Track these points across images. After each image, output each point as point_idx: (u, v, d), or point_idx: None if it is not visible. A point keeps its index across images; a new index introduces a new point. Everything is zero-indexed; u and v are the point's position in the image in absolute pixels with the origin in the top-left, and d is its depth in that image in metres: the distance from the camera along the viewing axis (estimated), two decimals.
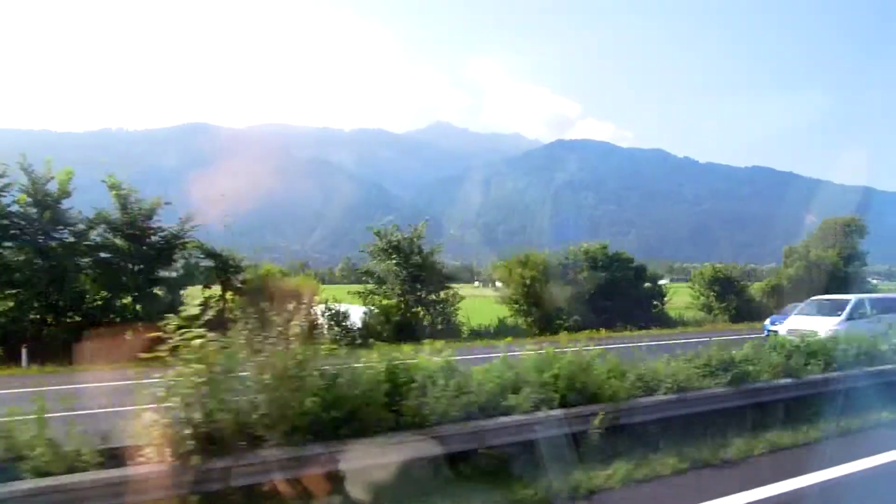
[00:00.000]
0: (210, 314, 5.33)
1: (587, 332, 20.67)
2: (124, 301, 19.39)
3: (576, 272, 29.46)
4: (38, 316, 18.09)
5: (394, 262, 24.60)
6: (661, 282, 38.12)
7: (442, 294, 25.09)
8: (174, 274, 20.28)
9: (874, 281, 53.67)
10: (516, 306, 27.76)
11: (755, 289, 37.51)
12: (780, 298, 34.41)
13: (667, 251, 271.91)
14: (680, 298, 35.16)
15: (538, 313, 27.19)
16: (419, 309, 24.44)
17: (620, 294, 29.42)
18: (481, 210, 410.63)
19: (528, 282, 27.31)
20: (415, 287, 24.57)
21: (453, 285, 26.51)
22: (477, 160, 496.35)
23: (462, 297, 25.67)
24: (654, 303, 31.69)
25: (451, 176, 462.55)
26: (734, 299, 34.51)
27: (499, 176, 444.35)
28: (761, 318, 29.89)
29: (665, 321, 30.44)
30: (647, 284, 31.85)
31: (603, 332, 23.23)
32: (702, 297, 35.48)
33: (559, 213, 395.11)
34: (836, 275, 38.52)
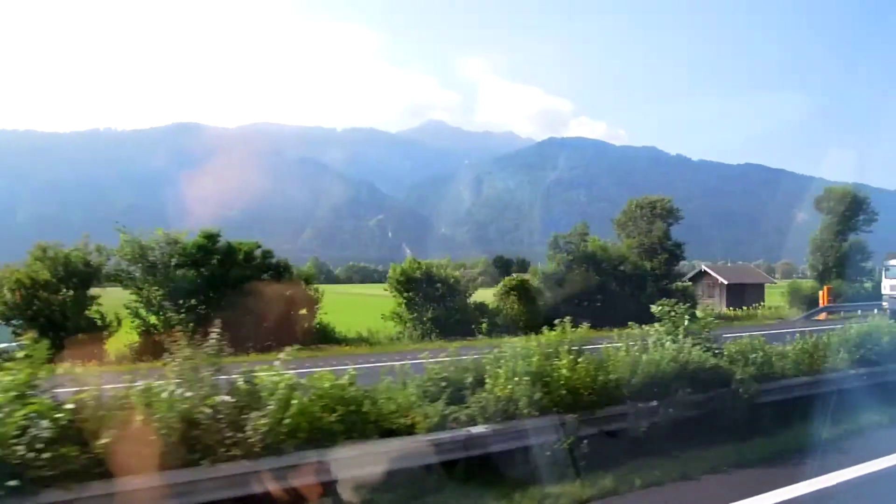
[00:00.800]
0: None
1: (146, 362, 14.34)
2: None
3: (165, 269, 21.21)
4: None
5: None
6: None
7: None
8: None
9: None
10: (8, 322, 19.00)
11: (493, 293, 29.37)
12: (529, 305, 27.46)
13: None
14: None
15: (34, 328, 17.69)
16: None
17: (244, 303, 21.00)
18: (472, 208, 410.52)
19: (12, 287, 18.50)
20: None
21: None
22: (469, 158, 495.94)
23: None
24: (302, 312, 23.53)
25: (442, 174, 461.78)
26: (438, 307, 25.64)
27: (490, 174, 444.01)
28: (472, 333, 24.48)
29: (327, 338, 22.93)
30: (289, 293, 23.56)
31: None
32: (401, 305, 26.64)
33: (551, 210, 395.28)
34: (624, 272, 31.44)
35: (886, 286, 31.18)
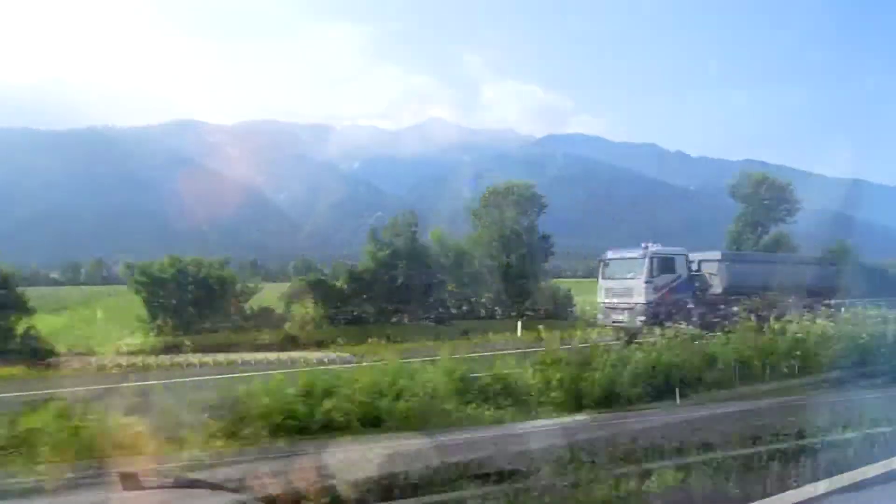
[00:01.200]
0: None
1: None
2: None
3: None
4: None
5: None
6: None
7: None
8: None
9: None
10: None
11: (280, 295, 24.50)
12: (328, 311, 23.52)
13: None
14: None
15: None
16: None
17: None
18: (473, 205, 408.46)
19: None
20: None
21: None
22: (469, 156, 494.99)
23: None
24: None
25: (442, 172, 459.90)
26: (194, 312, 21.53)
27: (490, 171, 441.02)
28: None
29: (39, 354, 18.42)
30: None
31: None
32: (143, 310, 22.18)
33: (551, 207, 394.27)
34: (466, 270, 27.12)
35: (602, 289, 22.22)
